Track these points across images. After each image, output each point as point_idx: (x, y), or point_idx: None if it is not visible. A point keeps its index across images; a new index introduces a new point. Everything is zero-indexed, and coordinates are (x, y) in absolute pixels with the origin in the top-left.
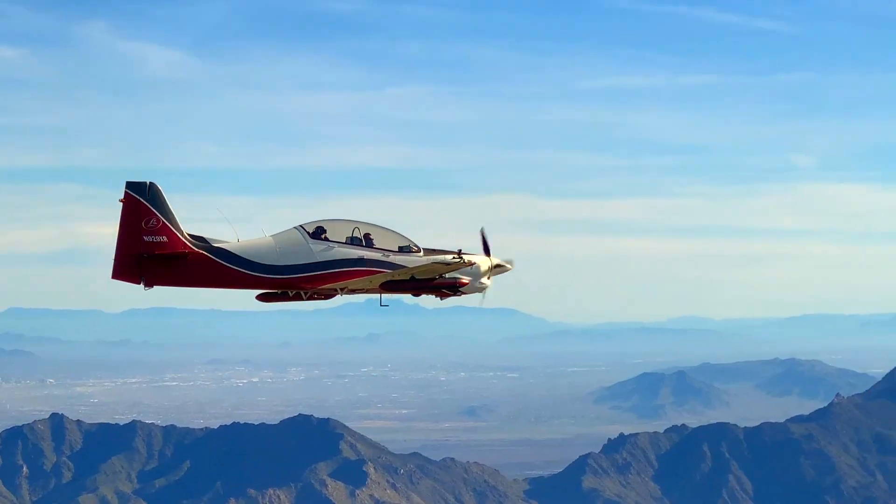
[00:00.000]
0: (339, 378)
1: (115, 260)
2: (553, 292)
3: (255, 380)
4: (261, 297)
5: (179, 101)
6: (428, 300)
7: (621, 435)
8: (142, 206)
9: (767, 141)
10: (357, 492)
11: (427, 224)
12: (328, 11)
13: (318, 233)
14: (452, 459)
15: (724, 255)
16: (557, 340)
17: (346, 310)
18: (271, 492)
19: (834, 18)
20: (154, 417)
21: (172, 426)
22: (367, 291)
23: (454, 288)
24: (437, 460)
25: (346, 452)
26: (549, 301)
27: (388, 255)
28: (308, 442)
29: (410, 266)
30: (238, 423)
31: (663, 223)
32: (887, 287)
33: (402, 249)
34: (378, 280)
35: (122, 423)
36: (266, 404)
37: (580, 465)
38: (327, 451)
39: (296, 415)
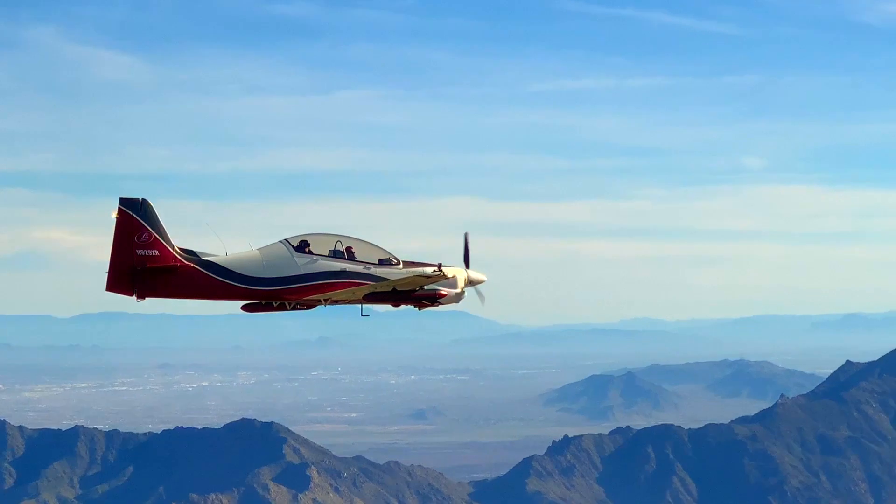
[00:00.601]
0: (289, 382)
1: (109, 273)
2: (504, 295)
3: (204, 384)
4: (246, 308)
5: (128, 106)
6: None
7: (566, 437)
8: (134, 222)
9: (717, 143)
10: (300, 496)
11: (377, 227)
12: (277, 15)
13: (303, 246)
14: (396, 463)
15: (675, 257)
16: (509, 343)
17: (297, 313)
18: (214, 496)
19: (783, 21)
20: (101, 422)
21: (116, 431)
22: (350, 302)
23: (433, 299)
24: (381, 464)
25: (290, 456)
26: (500, 303)
27: (369, 268)
28: (251, 446)
29: (392, 279)
30: (181, 427)
31: (614, 225)
32: (838, 288)
33: (383, 262)
34: (361, 292)
35: (64, 429)
36: (215, 408)
37: (524, 468)
38: (271, 455)
39: (239, 419)
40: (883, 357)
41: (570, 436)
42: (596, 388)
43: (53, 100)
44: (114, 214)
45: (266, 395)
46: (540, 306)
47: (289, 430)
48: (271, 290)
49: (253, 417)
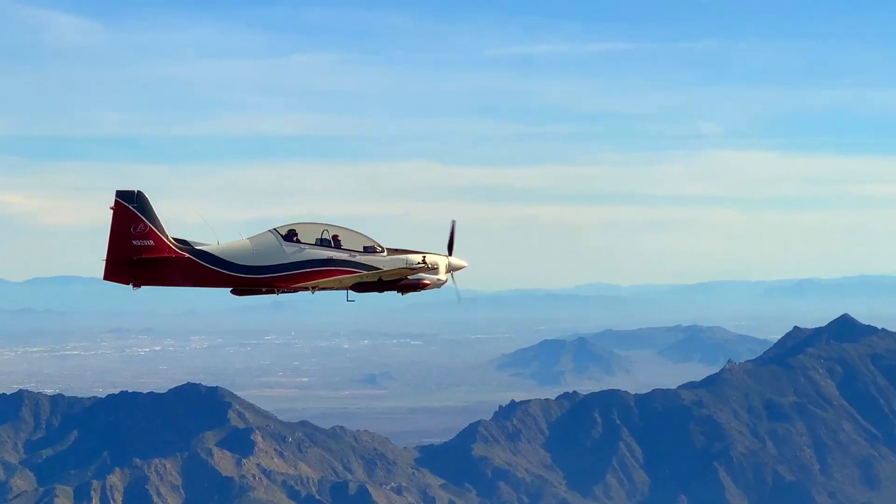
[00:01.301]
0: (241, 346)
1: (107, 262)
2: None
3: (157, 348)
4: (235, 292)
5: (84, 68)
6: None
7: (512, 402)
8: (130, 213)
9: (673, 108)
10: (244, 461)
11: (333, 191)
12: None
13: (291, 235)
14: (342, 427)
15: (630, 222)
16: (463, 308)
17: None
18: (157, 461)
19: None
20: (51, 386)
21: (61, 395)
22: (337, 289)
23: (416, 287)
24: (327, 429)
25: (235, 421)
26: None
27: (354, 256)
28: (196, 411)
29: (379, 268)
30: (126, 391)
31: (570, 190)
32: (791, 254)
33: (367, 250)
34: (349, 281)
35: (8, 394)
36: (166, 373)
37: (471, 433)
38: (215, 420)
39: (184, 383)
40: (830, 323)
41: (517, 401)
42: (548, 353)
43: (8, 63)
44: (110, 207)
45: (218, 360)
46: (494, 271)
47: (234, 395)
48: (261, 277)
49: (199, 382)
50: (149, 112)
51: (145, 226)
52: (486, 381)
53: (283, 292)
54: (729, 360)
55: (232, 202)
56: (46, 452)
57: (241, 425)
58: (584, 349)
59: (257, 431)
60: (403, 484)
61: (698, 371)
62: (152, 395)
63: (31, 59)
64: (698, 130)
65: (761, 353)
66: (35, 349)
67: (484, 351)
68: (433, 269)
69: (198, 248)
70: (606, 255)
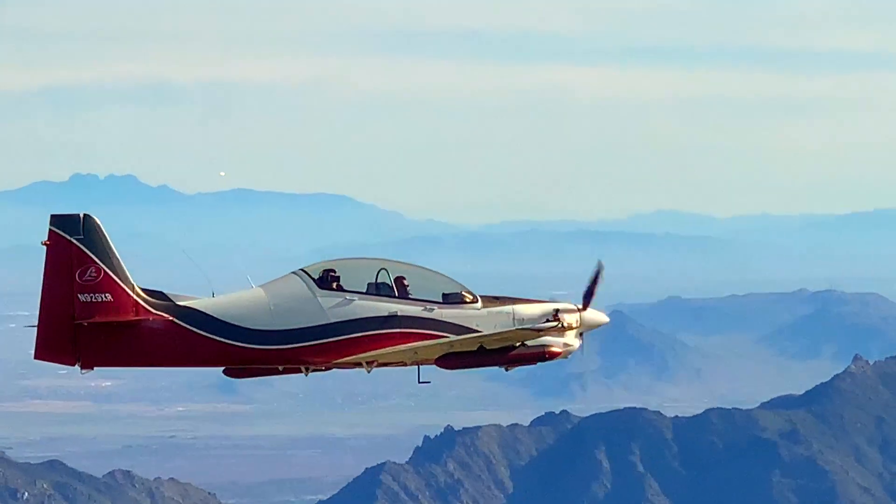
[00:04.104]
0: None
1: (39, 332)
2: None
3: None
4: (231, 371)
5: None
6: None
7: (449, 429)
8: (73, 251)
9: None
10: None
11: None
12: None
13: (328, 279)
14: (128, 474)
15: (732, 100)
16: (418, 248)
17: None
18: None
19: None
20: None
21: None
22: (408, 365)
23: (536, 359)
24: (100, 476)
25: None
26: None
27: (431, 310)
28: None
29: (474, 328)
30: None
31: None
32: None
33: (449, 299)
34: (431, 352)
35: None
36: None
37: (369, 484)
38: None
39: None
40: None
41: (455, 428)
42: None
43: None
44: (43, 242)
45: None
46: (478, 193)
47: None
48: (284, 348)
49: None
50: None
51: (97, 270)
52: (443, 390)
53: (316, 370)
54: (856, 356)
55: None
56: None
57: None
58: (624, 332)
59: None
60: None
61: (824, 372)
62: None
63: None
64: None
65: None
66: None
67: None
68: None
69: (181, 303)
70: (684, 162)
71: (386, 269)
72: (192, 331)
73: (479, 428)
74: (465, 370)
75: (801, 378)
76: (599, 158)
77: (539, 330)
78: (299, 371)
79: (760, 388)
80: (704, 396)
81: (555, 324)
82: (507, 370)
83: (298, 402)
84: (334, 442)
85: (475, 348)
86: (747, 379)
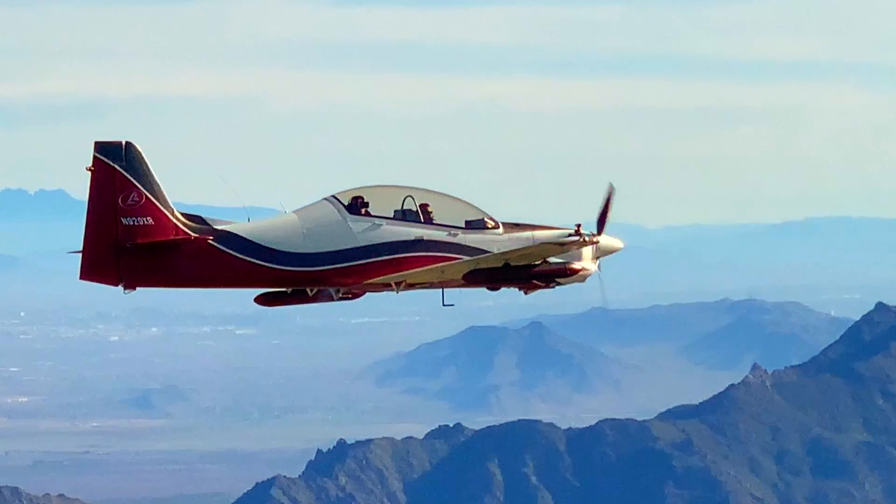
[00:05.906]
0: None
1: (84, 253)
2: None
3: None
4: (262, 299)
5: None
6: None
7: (341, 443)
8: (117, 177)
9: None
10: None
11: None
12: None
13: (358, 205)
14: (16, 491)
15: (658, 106)
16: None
17: None
18: None
19: None
20: None
21: None
22: (434, 286)
23: (557, 276)
24: None
25: None
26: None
27: (455, 234)
28: None
29: (500, 249)
30: None
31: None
32: None
33: (473, 225)
34: (456, 270)
35: None
36: None
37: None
38: None
39: None
40: None
41: (348, 441)
42: (479, 349)
43: None
44: (88, 167)
45: None
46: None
47: None
48: (316, 270)
49: None
50: None
51: (140, 195)
52: (359, 401)
53: (345, 297)
54: (755, 365)
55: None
56: None
57: None
58: (543, 344)
59: None
60: None
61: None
62: None
63: None
64: None
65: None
66: None
67: (366, 346)
68: (576, 251)
69: (219, 227)
70: (616, 172)
71: (412, 196)
72: (229, 253)
73: (371, 441)
74: (490, 288)
75: (710, 387)
76: (532, 170)
77: (562, 244)
78: (331, 299)
79: (665, 398)
80: (626, 407)
81: (577, 238)
82: (525, 293)
83: (215, 417)
84: (246, 456)
85: (501, 265)
86: (660, 389)
